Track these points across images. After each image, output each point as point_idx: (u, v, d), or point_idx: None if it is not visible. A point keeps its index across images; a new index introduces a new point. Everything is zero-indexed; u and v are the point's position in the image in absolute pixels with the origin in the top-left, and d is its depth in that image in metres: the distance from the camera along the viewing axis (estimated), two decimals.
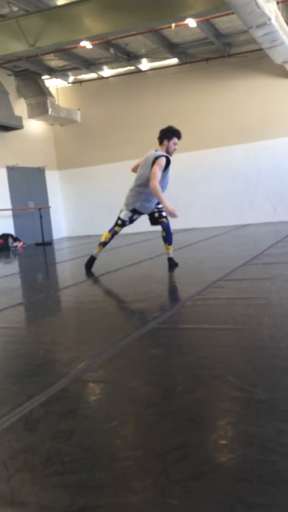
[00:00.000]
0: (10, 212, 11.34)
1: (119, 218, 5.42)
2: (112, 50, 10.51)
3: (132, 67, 11.89)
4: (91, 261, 5.68)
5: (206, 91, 11.65)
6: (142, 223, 12.23)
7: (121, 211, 5.42)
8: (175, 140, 5.18)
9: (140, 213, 5.38)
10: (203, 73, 11.61)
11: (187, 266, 5.64)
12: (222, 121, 11.54)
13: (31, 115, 11.89)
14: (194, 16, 8.13)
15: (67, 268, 7.07)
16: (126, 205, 5.32)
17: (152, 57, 11.49)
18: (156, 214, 5.39)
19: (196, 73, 11.67)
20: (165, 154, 5.10)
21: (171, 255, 5.43)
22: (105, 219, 12.77)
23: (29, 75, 11.69)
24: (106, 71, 12.25)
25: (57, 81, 12.45)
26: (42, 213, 11.08)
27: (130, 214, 5.32)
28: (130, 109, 12.26)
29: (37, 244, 11.06)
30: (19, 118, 11.11)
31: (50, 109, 11.71)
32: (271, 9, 7.25)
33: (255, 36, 8.00)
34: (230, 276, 4.41)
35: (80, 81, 12.63)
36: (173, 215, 5.05)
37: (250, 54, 10.94)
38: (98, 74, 12.23)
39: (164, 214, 5.35)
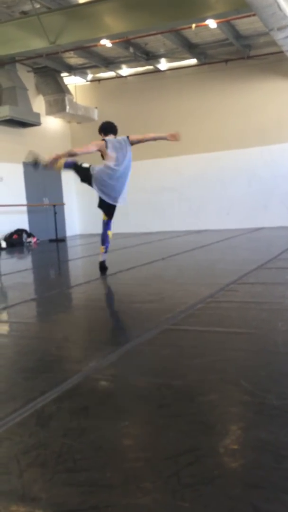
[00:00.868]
0: (25, 208, 11.41)
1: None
2: (131, 49, 10.51)
3: (151, 67, 11.89)
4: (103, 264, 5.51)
5: (224, 93, 11.60)
6: (153, 223, 12.24)
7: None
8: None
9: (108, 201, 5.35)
10: (221, 74, 11.56)
11: (200, 268, 5.63)
12: (240, 123, 11.47)
13: (49, 112, 11.95)
14: (214, 17, 8.09)
15: (80, 265, 7.10)
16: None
17: (171, 57, 11.47)
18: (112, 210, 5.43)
19: (214, 74, 11.62)
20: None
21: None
22: (118, 217, 12.79)
23: (49, 72, 11.75)
24: (125, 70, 12.26)
25: (75, 79, 12.50)
26: (56, 210, 11.13)
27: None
28: (148, 108, 12.26)
29: (51, 241, 11.12)
30: (37, 115, 11.17)
31: (68, 107, 11.76)
32: None
33: (275, 39, 7.94)
34: (243, 279, 4.39)
35: (99, 80, 12.66)
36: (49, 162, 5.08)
37: (270, 57, 10.86)
38: (116, 73, 12.25)
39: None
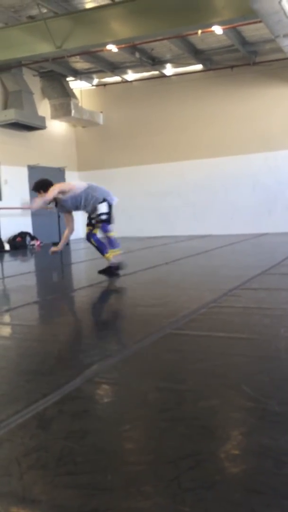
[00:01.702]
0: (28, 211, 11.44)
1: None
2: (137, 55, 10.57)
3: (156, 72, 11.94)
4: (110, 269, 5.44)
5: (229, 99, 11.63)
6: (157, 228, 12.25)
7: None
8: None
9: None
10: (227, 80, 11.59)
11: (203, 273, 5.62)
12: (244, 129, 11.49)
13: (54, 116, 12.01)
14: (221, 23, 8.12)
15: (83, 269, 7.11)
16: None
17: (176, 62, 11.51)
18: (93, 221, 5.46)
19: (220, 80, 11.66)
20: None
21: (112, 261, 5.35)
22: (122, 221, 12.81)
23: (54, 76, 11.82)
24: (130, 75, 12.31)
25: (81, 83, 12.56)
26: (60, 213, 11.15)
27: None
28: (152, 113, 12.30)
29: (54, 244, 11.09)
30: (43, 119, 11.23)
31: (73, 111, 11.81)
32: None
33: (281, 45, 7.98)
34: (246, 285, 4.38)
35: (104, 84, 12.72)
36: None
37: (276, 63, 10.89)
38: (122, 78, 12.30)
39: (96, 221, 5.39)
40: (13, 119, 10.28)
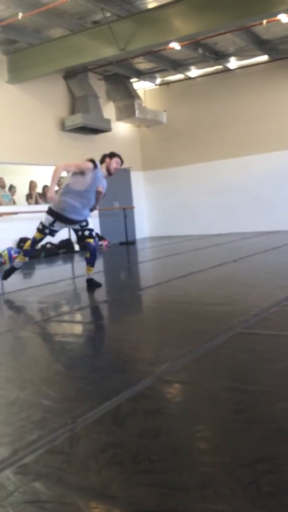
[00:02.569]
0: (96, 212, 11.72)
1: (40, 222, 4.97)
2: (200, 50, 10.45)
3: (220, 66, 11.75)
4: (11, 271, 5.27)
5: None
6: (223, 225, 12.04)
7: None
8: (117, 159, 4.92)
9: (61, 222, 4.91)
10: None
11: (273, 270, 5.45)
12: None
13: (119, 118, 12.20)
14: (287, 11, 7.82)
15: (150, 267, 7.15)
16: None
17: (241, 55, 11.25)
18: (80, 233, 5.04)
19: (287, 70, 11.24)
20: (97, 163, 4.80)
21: (90, 276, 5.07)
22: (187, 220, 12.78)
23: (118, 78, 12.01)
24: (193, 72, 12.21)
25: (144, 84, 12.66)
26: (126, 213, 11.32)
27: (51, 219, 4.85)
28: (217, 109, 12.13)
29: (121, 243, 11.33)
30: (108, 121, 11.45)
31: (137, 111, 11.93)
32: None
33: None
34: None
35: (167, 83, 12.72)
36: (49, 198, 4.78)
37: None
38: (185, 75, 12.24)
39: (90, 234, 5.02)
40: (80, 124, 10.58)
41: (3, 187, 9.88)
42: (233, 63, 11.69)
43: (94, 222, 11.56)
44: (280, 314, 3.21)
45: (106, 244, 11.14)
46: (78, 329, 3.57)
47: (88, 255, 5.07)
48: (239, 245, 8.87)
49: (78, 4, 8.12)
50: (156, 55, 10.76)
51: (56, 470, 1.44)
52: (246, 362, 2.38)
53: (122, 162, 5.02)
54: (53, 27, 8.97)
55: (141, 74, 12.20)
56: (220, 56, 11.19)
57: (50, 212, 4.88)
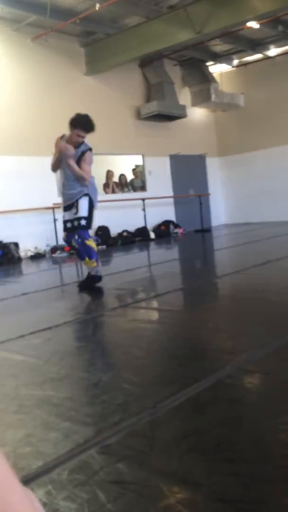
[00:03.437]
0: (171, 200, 11.72)
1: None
2: (280, 28, 9.94)
3: None
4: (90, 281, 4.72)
5: None
6: None
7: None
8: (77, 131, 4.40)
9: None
10: None
11: None
12: None
13: (194, 103, 12.03)
14: None
15: (226, 255, 7.03)
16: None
17: None
18: (69, 224, 4.62)
19: None
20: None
21: (91, 273, 4.66)
22: (267, 205, 12.35)
23: (194, 63, 11.80)
24: (273, 51, 11.68)
25: (221, 66, 12.34)
26: (202, 200, 11.19)
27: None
28: None
29: (196, 231, 11.24)
30: (183, 107, 11.33)
31: (213, 95, 11.68)
32: None
33: None
34: None
35: (245, 64, 12.29)
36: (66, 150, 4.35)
37: None
38: (264, 55, 11.74)
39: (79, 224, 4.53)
40: (156, 111, 10.57)
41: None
42: None
43: (169, 210, 11.66)
44: None
45: (181, 232, 11.12)
46: (155, 315, 3.60)
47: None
48: None
49: None
50: (233, 36, 10.41)
51: (139, 453, 1.46)
52: None
53: (86, 130, 4.45)
54: (129, 15, 8.99)
55: (217, 57, 11.90)
56: None
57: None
